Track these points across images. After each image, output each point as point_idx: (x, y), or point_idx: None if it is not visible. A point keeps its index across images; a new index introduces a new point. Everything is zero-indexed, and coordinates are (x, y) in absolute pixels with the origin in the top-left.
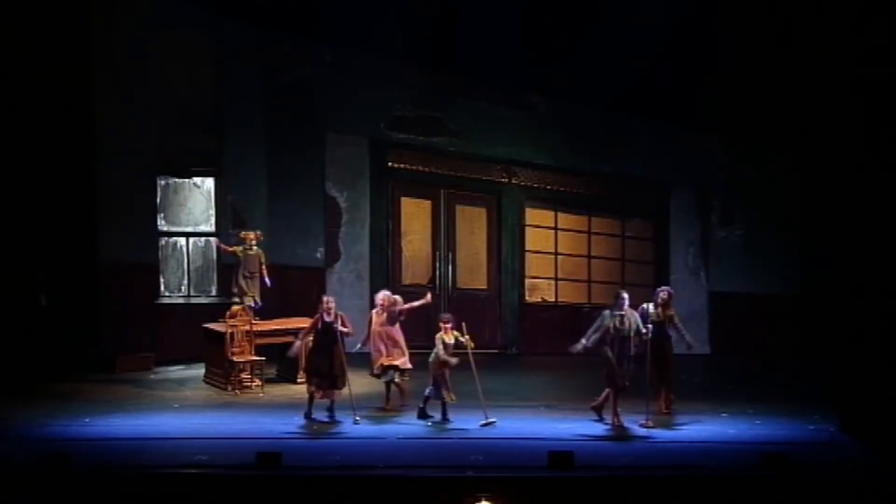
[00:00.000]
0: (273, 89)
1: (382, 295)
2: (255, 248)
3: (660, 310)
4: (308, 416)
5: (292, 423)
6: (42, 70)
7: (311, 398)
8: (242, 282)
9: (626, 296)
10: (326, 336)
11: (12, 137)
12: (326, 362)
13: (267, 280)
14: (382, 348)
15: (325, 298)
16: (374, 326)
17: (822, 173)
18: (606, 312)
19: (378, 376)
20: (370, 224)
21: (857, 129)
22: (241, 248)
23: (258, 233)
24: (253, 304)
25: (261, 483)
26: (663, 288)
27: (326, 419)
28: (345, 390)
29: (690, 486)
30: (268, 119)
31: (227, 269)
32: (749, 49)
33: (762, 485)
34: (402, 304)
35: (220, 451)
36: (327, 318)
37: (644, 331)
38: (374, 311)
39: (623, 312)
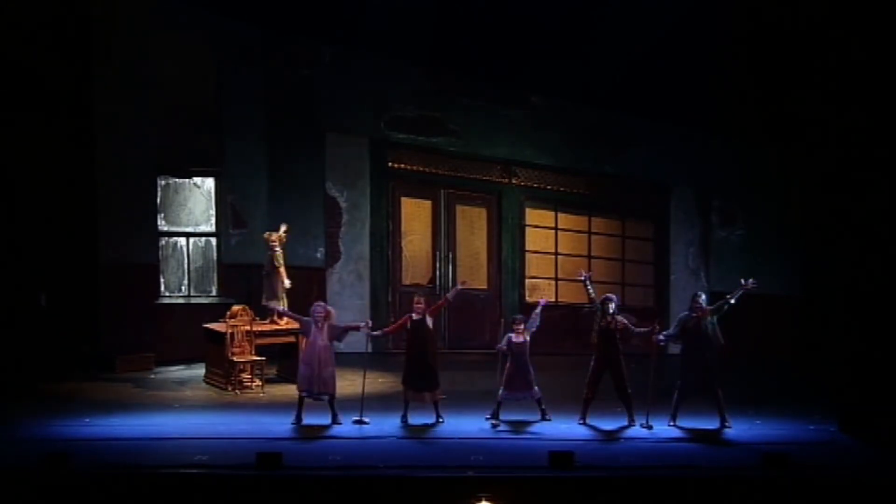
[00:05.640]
0: (273, 89)
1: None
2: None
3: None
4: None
5: (292, 424)
6: (42, 70)
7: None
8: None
9: (703, 297)
10: (417, 336)
11: (12, 137)
12: (420, 364)
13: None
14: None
15: (415, 298)
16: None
17: (822, 173)
18: (683, 315)
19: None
20: (370, 224)
21: (857, 128)
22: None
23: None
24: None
25: (261, 483)
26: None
27: (432, 422)
28: (349, 389)
29: (690, 486)
30: (268, 119)
31: (227, 268)
32: (749, 48)
33: (762, 485)
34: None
35: (220, 451)
36: (416, 318)
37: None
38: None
39: (696, 314)
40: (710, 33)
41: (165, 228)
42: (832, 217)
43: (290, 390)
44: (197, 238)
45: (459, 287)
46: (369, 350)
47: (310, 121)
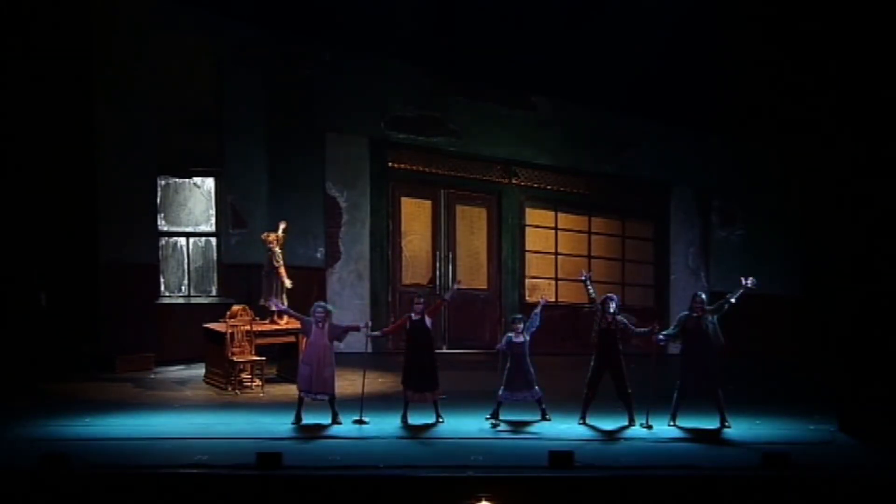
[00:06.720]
0: (273, 89)
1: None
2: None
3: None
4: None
5: (292, 423)
6: (43, 70)
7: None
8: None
9: (703, 296)
10: (419, 336)
11: (13, 137)
12: (420, 364)
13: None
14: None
15: (415, 298)
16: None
17: (822, 173)
18: (683, 315)
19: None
20: (370, 224)
21: (857, 128)
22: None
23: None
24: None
25: (261, 483)
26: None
27: (432, 422)
28: (349, 389)
29: (690, 486)
30: (268, 119)
31: (227, 268)
32: (749, 48)
33: (762, 485)
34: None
35: (220, 451)
36: (415, 318)
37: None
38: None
39: (696, 314)
40: (711, 33)
41: (165, 228)
42: (832, 217)
43: (290, 390)
44: (197, 238)
45: (456, 287)
46: (369, 350)
47: (310, 121)
